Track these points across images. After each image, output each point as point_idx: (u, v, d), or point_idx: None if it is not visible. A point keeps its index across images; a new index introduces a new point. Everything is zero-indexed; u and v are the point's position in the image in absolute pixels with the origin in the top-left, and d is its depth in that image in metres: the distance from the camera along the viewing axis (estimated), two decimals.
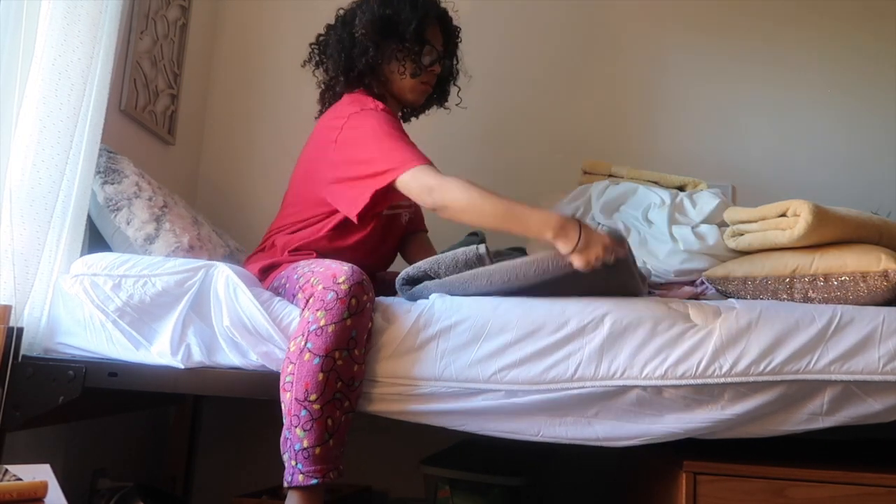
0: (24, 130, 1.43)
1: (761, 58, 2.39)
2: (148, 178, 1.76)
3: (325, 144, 1.65)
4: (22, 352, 1.42)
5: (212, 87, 2.50)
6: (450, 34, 1.84)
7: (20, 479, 1.05)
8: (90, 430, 1.83)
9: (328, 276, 1.38)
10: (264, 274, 1.63)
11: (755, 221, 1.59)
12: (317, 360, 1.30)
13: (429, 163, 1.52)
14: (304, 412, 1.29)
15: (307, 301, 1.38)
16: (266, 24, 2.52)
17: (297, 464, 1.28)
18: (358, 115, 1.63)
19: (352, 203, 1.57)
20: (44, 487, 1.03)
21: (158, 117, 2.17)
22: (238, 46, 2.52)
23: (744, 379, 1.28)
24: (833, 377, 1.27)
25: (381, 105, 1.66)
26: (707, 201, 1.76)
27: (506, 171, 2.40)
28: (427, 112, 1.96)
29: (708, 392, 1.29)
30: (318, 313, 1.33)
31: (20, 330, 1.42)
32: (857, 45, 2.38)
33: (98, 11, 1.53)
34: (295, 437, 1.29)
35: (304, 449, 1.28)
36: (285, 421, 1.31)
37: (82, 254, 1.54)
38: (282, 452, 1.32)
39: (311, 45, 1.85)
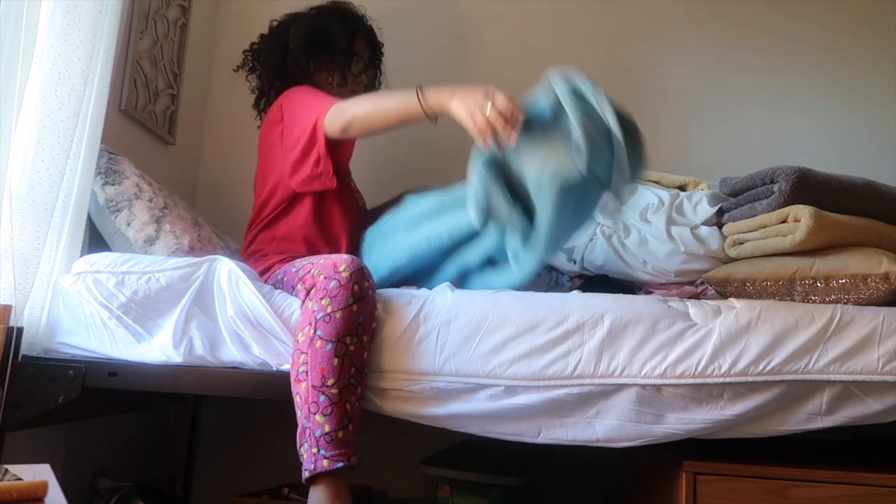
0: (24, 130, 1.43)
1: (761, 58, 2.39)
2: (148, 180, 1.76)
3: (275, 140, 1.77)
4: (22, 352, 1.42)
5: (212, 87, 2.50)
6: (375, 49, 2.01)
7: (20, 479, 1.05)
8: (90, 430, 1.83)
9: (328, 265, 1.40)
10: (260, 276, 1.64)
11: (755, 230, 1.59)
12: (329, 346, 1.31)
13: (338, 102, 1.63)
14: (322, 398, 1.29)
15: (308, 292, 1.39)
16: (266, 24, 2.52)
17: (319, 450, 1.28)
18: (286, 97, 1.78)
19: (308, 177, 1.67)
20: (44, 487, 1.03)
21: (158, 117, 2.17)
22: (238, 46, 2.51)
23: (743, 379, 1.28)
24: (832, 377, 1.27)
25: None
26: (704, 207, 1.76)
27: None
28: None
29: (707, 391, 1.29)
30: (323, 301, 1.34)
31: (20, 330, 1.42)
32: (856, 46, 2.38)
33: (98, 11, 1.53)
34: (315, 424, 1.29)
35: (327, 434, 1.28)
36: (301, 412, 1.31)
37: (82, 254, 1.55)
38: (299, 446, 1.31)
39: (244, 52, 2.01)
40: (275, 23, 1.98)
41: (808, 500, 1.25)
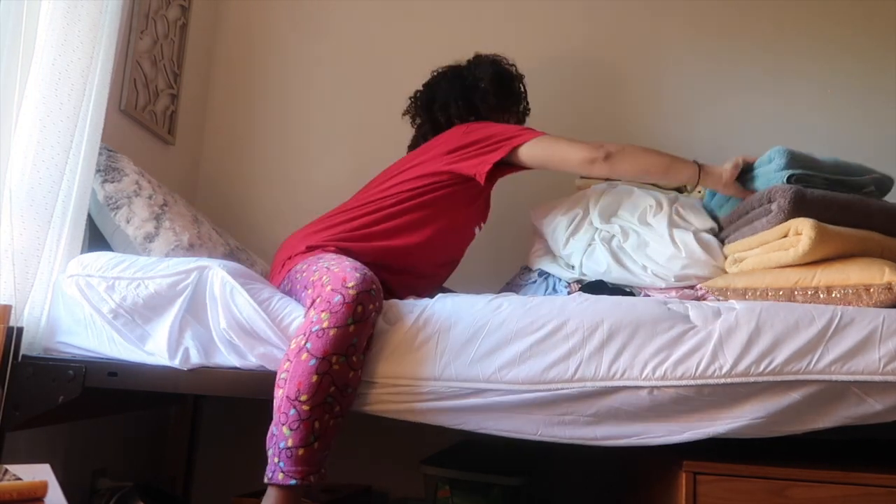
0: (24, 130, 1.43)
1: (763, 58, 2.39)
2: (148, 177, 1.76)
3: (443, 141, 1.84)
4: (22, 351, 1.42)
5: (212, 87, 2.50)
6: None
7: (20, 479, 1.05)
8: (90, 430, 1.83)
9: (339, 278, 1.38)
10: (308, 251, 1.63)
11: (755, 248, 1.58)
12: (313, 362, 1.30)
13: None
14: (292, 411, 1.29)
15: (313, 301, 1.38)
16: (266, 24, 2.52)
17: (279, 461, 1.29)
18: (486, 122, 1.89)
19: (481, 163, 1.75)
20: (44, 487, 1.03)
21: (158, 117, 2.17)
22: (238, 46, 2.52)
23: (743, 380, 1.28)
24: (833, 377, 1.27)
25: None
26: (703, 219, 1.77)
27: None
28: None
29: (708, 393, 1.29)
30: (323, 314, 1.33)
31: (20, 330, 1.42)
32: (857, 46, 2.38)
33: (98, 11, 1.53)
34: (281, 435, 1.29)
35: (288, 448, 1.28)
36: (274, 417, 1.32)
37: (82, 253, 1.55)
38: (267, 447, 1.32)
39: (411, 98, 2.06)
40: (439, 71, 2.04)
41: (808, 500, 1.25)
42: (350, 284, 1.35)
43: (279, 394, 1.31)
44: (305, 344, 1.31)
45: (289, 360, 1.32)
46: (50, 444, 1.68)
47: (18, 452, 1.46)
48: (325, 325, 1.32)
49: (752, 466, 1.27)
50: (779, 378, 1.28)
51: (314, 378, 1.29)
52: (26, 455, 1.49)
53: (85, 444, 1.82)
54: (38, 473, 1.10)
